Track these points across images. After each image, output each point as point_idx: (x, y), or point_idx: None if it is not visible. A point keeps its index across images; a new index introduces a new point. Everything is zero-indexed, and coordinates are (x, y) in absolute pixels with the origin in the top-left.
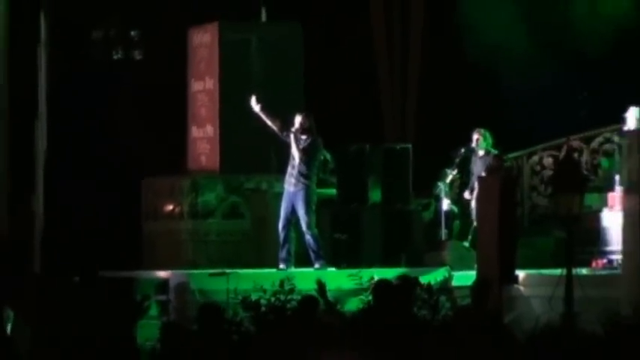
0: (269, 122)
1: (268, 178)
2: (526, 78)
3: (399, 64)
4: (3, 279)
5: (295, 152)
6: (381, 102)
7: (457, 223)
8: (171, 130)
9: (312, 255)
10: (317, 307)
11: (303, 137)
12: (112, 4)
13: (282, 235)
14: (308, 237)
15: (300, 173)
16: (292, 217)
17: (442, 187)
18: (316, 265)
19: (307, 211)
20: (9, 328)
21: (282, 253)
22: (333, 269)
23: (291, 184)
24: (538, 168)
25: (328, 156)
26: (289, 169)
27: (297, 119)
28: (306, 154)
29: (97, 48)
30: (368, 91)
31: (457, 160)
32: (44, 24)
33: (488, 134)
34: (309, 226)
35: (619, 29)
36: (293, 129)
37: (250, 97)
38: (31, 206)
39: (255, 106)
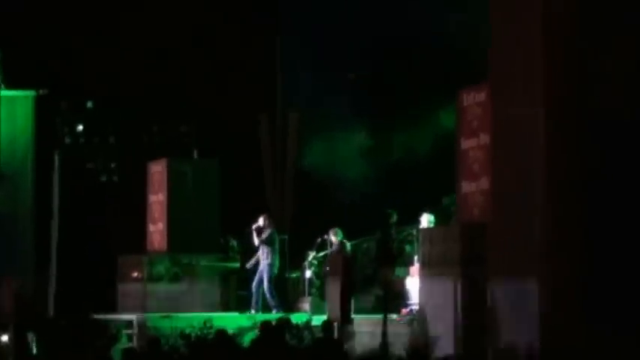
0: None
1: (197, 256)
2: (360, 193)
3: (280, 187)
4: (31, 320)
5: (257, 243)
6: (269, 208)
7: (316, 283)
8: (136, 226)
9: (269, 303)
10: (226, 337)
11: (263, 232)
12: (100, 149)
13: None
14: (267, 294)
15: (263, 257)
16: (261, 283)
17: (306, 262)
18: (273, 311)
19: (269, 280)
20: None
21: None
22: (236, 313)
23: (260, 264)
24: (366, 251)
25: (235, 242)
26: (259, 253)
27: (260, 219)
28: (265, 244)
29: (90, 174)
30: (260, 203)
31: (316, 245)
32: (57, 158)
33: (339, 230)
34: (267, 289)
35: (422, 158)
36: (255, 225)
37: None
38: (48, 273)
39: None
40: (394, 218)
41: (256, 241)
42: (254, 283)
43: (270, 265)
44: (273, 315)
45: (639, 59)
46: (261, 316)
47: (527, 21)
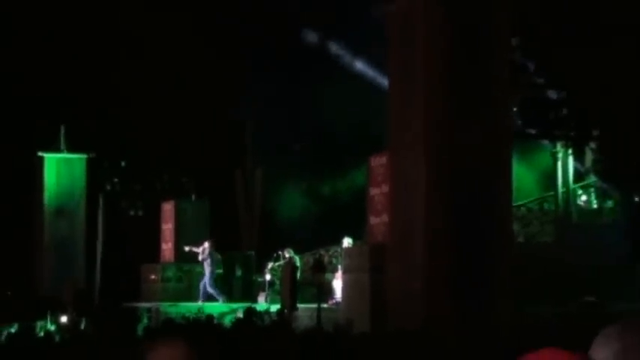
0: (195, 249)
1: (194, 265)
2: (305, 224)
3: (250, 220)
4: (84, 307)
5: (200, 258)
6: (240, 233)
7: (276, 284)
8: (154, 244)
9: (215, 296)
10: (213, 320)
11: (205, 252)
12: (129, 193)
13: (210, 290)
14: (211, 291)
15: (206, 267)
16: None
17: (267, 269)
18: (219, 301)
19: (210, 282)
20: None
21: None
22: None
23: (204, 271)
24: (306, 261)
25: (219, 256)
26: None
27: (206, 243)
28: (206, 261)
29: (123, 210)
30: (236, 231)
31: (273, 258)
32: (101, 200)
33: (291, 249)
34: (210, 287)
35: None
36: (202, 247)
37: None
38: (95, 276)
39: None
40: None
41: (200, 256)
42: (203, 284)
43: (211, 272)
44: (220, 304)
45: (498, 127)
46: (236, 305)
47: (412, 104)
